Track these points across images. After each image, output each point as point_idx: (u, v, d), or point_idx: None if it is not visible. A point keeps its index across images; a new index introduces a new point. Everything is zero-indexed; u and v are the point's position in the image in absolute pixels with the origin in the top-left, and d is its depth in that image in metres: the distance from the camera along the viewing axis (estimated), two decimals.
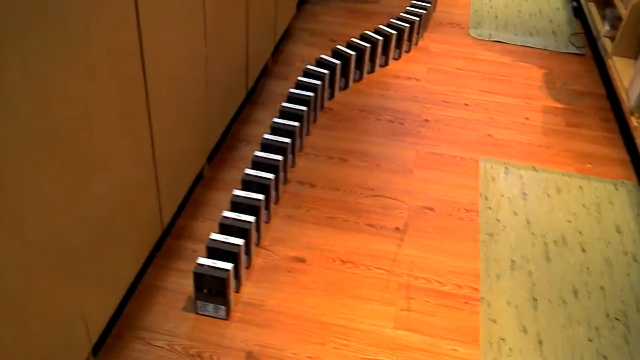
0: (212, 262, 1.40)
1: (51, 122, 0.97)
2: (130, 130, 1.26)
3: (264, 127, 2.10)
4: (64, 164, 1.03)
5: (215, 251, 1.45)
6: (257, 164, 1.73)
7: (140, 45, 1.23)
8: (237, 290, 1.52)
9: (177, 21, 1.41)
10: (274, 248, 1.66)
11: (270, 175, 1.67)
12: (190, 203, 1.78)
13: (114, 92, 1.16)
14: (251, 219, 1.53)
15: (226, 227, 1.52)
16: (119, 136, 1.22)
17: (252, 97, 2.26)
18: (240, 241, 1.46)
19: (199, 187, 1.83)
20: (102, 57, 1.09)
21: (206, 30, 1.59)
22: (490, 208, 1.86)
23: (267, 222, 1.73)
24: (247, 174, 1.67)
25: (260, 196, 1.60)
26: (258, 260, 1.61)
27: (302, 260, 1.63)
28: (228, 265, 1.40)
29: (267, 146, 1.80)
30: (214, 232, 1.50)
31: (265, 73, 2.41)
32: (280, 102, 2.04)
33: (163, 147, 1.43)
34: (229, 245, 1.45)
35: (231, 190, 1.65)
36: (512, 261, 1.68)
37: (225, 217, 1.53)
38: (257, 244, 1.66)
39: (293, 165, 1.95)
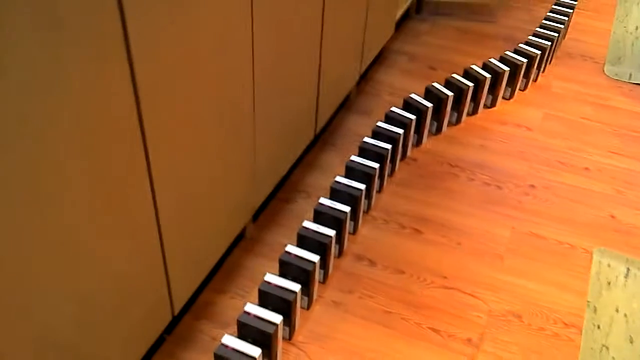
0: None
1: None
2: (122, 198, 0.99)
3: (330, 175, 1.77)
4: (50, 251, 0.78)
5: None
6: (304, 239, 1.42)
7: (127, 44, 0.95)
8: None
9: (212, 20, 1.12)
10: (307, 348, 1.34)
11: (315, 258, 1.36)
12: (223, 270, 1.50)
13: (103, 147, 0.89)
14: (277, 319, 1.22)
15: (245, 328, 1.23)
16: (104, 208, 0.95)
17: (324, 135, 1.95)
18: (256, 352, 1.16)
19: (237, 250, 1.55)
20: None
21: (253, 43, 1.26)
22: (598, 327, 1.43)
23: (307, 308, 1.42)
24: (287, 252, 1.37)
25: (296, 287, 1.29)
26: None
27: None
28: None
29: (320, 214, 1.48)
30: (228, 333, 1.21)
31: (345, 105, 2.08)
32: (357, 144, 1.70)
33: (177, 211, 1.16)
34: (241, 357, 1.16)
35: (275, 258, 1.36)
36: None
37: (246, 312, 1.24)
38: (289, 339, 1.35)
39: (354, 233, 1.62)
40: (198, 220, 1.25)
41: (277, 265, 1.38)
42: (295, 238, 1.44)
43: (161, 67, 0.98)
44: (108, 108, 0.89)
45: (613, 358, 1.36)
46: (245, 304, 1.28)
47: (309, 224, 1.44)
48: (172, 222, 1.14)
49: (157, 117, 1.00)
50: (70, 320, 0.95)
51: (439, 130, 1.99)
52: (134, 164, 0.99)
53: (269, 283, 1.29)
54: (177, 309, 1.28)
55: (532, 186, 1.82)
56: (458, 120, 2.04)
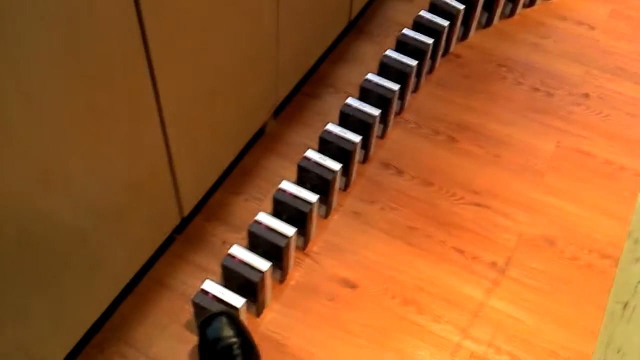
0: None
1: None
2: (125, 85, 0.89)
3: (363, 69, 1.61)
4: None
5: (231, 273, 1.11)
6: (326, 143, 1.30)
7: None
8: (258, 315, 1.18)
9: None
10: (322, 259, 1.28)
11: (336, 166, 1.25)
12: (239, 169, 1.41)
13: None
14: (290, 231, 1.14)
15: (255, 238, 1.15)
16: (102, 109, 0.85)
17: (359, 24, 1.75)
18: (265, 265, 1.10)
19: (256, 148, 1.45)
20: None
21: None
22: (637, 260, 1.32)
23: (325, 217, 1.34)
24: (306, 158, 1.26)
25: (313, 198, 1.20)
26: (297, 272, 1.25)
27: (353, 286, 1.24)
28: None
29: (346, 117, 1.35)
30: (238, 242, 1.14)
31: None
32: (396, 34, 1.52)
33: (183, 104, 1.05)
34: (247, 270, 1.09)
35: (296, 160, 1.26)
36: None
37: (257, 222, 1.16)
38: (303, 249, 1.28)
39: (382, 136, 1.49)
40: (210, 114, 1.14)
41: (296, 169, 1.28)
42: (318, 139, 1.33)
43: None
44: None
45: None
46: (260, 207, 1.21)
47: (332, 127, 1.31)
48: (178, 116, 1.02)
49: None
50: (73, 220, 0.88)
51: (489, 22, 1.78)
52: (128, 46, 0.85)
53: (284, 191, 1.20)
54: (187, 210, 1.21)
55: (586, 95, 1.63)
56: (512, 12, 1.81)
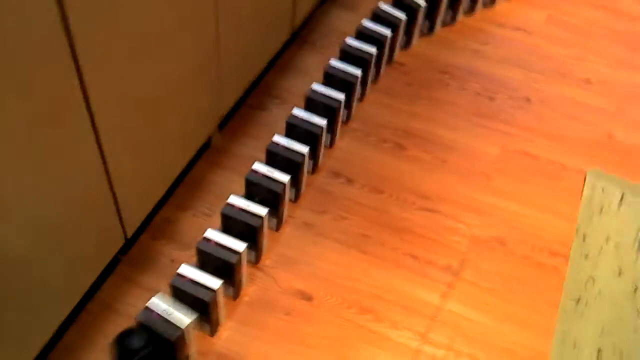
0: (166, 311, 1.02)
1: None
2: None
3: (308, 79, 1.59)
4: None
5: (181, 293, 1.06)
6: (273, 155, 1.28)
7: None
8: (212, 334, 1.14)
9: None
10: (275, 272, 1.25)
11: (285, 178, 1.23)
12: (185, 185, 1.37)
13: None
14: (240, 247, 1.11)
15: (205, 256, 1.11)
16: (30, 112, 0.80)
17: (302, 34, 1.75)
18: (216, 283, 1.06)
19: (202, 162, 1.41)
20: None
21: None
22: (586, 256, 1.34)
23: (277, 230, 1.31)
24: (254, 171, 1.23)
25: (263, 211, 1.17)
26: (250, 288, 1.22)
27: (309, 298, 1.22)
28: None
29: (293, 127, 1.34)
30: (186, 261, 1.10)
31: None
32: (340, 44, 1.51)
33: (120, 118, 1.01)
34: (198, 289, 1.05)
35: (244, 173, 1.22)
36: (599, 351, 1.20)
37: (206, 239, 1.12)
38: (255, 263, 1.25)
39: (330, 146, 1.48)
40: (151, 128, 1.10)
41: (244, 182, 1.25)
42: (265, 151, 1.30)
43: None
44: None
45: (599, 291, 1.28)
46: (209, 223, 1.17)
47: (279, 139, 1.29)
48: (115, 130, 0.98)
49: None
50: (8, 243, 0.83)
51: (430, 30, 1.80)
52: (57, 62, 0.82)
53: (232, 206, 1.17)
54: (131, 230, 1.16)
55: (527, 99, 1.67)
56: (453, 20, 1.84)
